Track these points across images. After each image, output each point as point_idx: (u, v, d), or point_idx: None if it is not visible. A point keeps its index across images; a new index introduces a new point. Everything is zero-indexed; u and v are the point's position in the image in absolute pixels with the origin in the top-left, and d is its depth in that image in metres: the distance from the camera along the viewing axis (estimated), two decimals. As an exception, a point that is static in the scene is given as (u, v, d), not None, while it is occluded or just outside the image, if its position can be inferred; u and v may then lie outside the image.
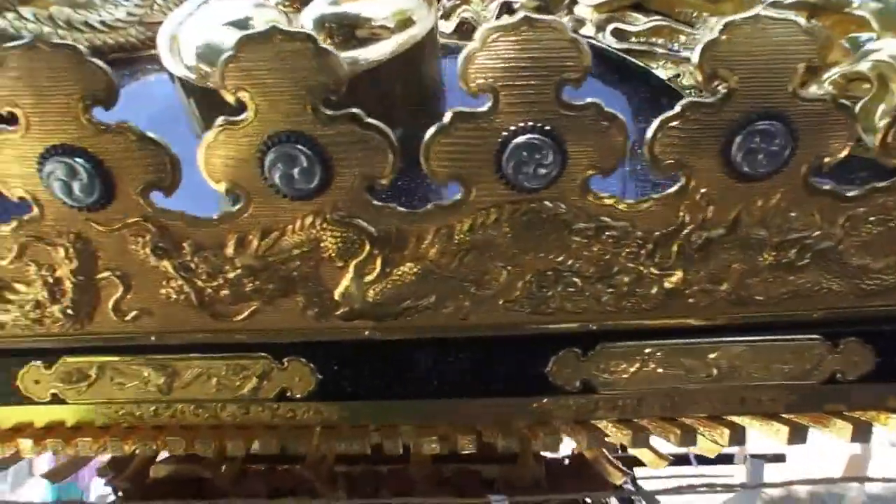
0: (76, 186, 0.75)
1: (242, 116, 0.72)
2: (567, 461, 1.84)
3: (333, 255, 0.80)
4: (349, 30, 0.93)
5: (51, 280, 0.84)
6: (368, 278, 0.81)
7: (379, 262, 0.80)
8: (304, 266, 0.82)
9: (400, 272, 0.81)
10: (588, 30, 1.16)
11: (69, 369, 0.92)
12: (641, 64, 1.08)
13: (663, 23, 1.11)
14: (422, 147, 0.72)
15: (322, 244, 0.79)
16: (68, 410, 0.95)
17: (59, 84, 0.70)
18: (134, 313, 0.87)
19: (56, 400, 0.93)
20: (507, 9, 1.34)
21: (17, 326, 0.88)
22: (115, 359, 0.92)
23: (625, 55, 1.10)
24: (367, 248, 0.78)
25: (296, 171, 0.72)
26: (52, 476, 1.79)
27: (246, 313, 0.87)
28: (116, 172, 0.75)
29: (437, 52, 1.03)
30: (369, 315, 0.85)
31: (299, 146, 0.71)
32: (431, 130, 0.72)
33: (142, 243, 0.80)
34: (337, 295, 0.83)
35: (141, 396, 0.93)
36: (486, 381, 0.91)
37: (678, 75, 1.08)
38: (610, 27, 1.12)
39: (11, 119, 0.73)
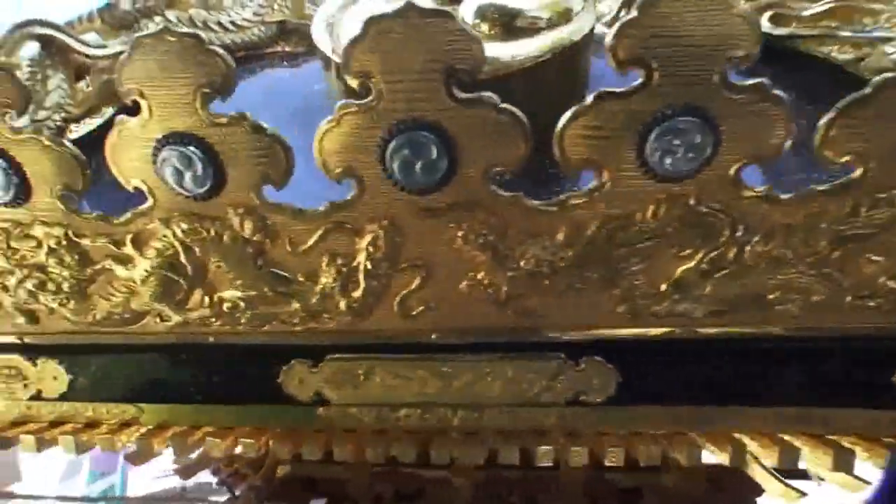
0: (418, 166, 0.66)
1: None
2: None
3: (682, 243, 0.71)
4: (509, 19, 0.91)
5: (345, 270, 0.75)
6: (708, 269, 0.73)
7: (734, 251, 0.71)
8: (634, 256, 0.73)
9: (752, 262, 0.72)
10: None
11: (338, 369, 0.83)
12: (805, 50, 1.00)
13: (838, 3, 1.03)
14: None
15: (667, 230, 0.71)
16: (332, 412, 0.86)
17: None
18: (420, 309, 0.78)
19: (320, 401, 0.85)
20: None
21: (289, 322, 0.80)
22: (388, 358, 0.83)
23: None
24: (727, 234, 0.70)
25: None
26: (184, 473, 1.71)
27: (548, 309, 0.78)
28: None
29: (590, 52, 0.98)
30: (693, 312, 0.76)
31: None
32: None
33: (465, 230, 0.72)
34: (664, 287, 0.75)
35: (412, 399, 0.84)
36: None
37: (861, 59, 1.00)
38: (767, 14, 1.05)
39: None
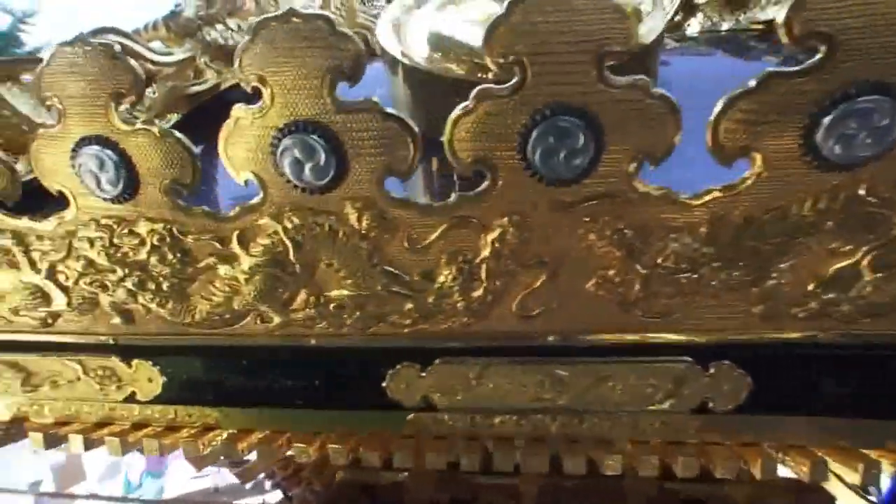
0: (562, 155, 0.61)
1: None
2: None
3: (842, 238, 0.66)
4: None
5: (466, 268, 0.71)
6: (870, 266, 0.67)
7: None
8: (783, 252, 0.68)
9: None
10: None
11: (448, 373, 0.79)
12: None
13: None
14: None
15: (826, 224, 0.65)
16: (423, 418, 0.82)
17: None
18: (540, 309, 0.74)
19: (426, 406, 0.80)
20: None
21: (399, 323, 0.76)
22: (503, 361, 0.78)
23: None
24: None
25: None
26: (245, 475, 1.69)
27: (678, 310, 0.73)
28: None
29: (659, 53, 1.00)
30: (843, 314, 0.70)
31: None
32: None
33: (601, 224, 0.67)
34: (811, 286, 0.69)
35: (525, 405, 0.79)
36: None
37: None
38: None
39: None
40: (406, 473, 1.58)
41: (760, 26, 1.35)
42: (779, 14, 0.55)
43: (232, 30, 1.32)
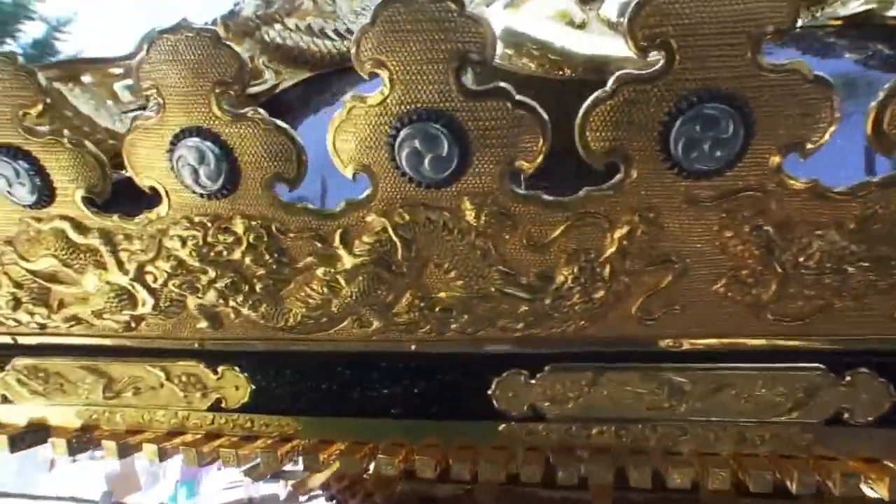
0: (707, 145, 0.57)
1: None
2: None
3: None
4: None
5: (588, 268, 0.66)
6: None
7: None
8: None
9: None
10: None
11: (559, 380, 0.74)
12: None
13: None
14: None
15: None
16: (531, 429, 0.77)
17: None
18: (662, 312, 0.69)
19: (534, 416, 0.75)
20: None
21: (508, 328, 0.71)
22: (618, 367, 0.73)
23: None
24: None
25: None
26: (300, 487, 1.66)
27: (814, 313, 0.67)
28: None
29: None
30: None
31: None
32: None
33: (739, 220, 0.62)
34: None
35: (640, 414, 0.74)
36: None
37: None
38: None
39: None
40: (468, 486, 1.52)
41: (839, 22, 1.30)
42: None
43: (290, 29, 1.30)
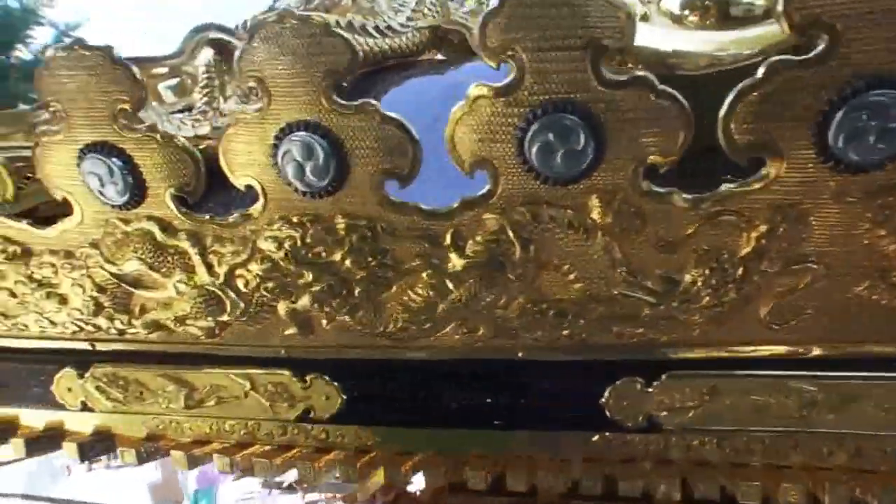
0: (872, 137, 0.53)
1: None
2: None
3: None
4: (724, 7, 0.82)
5: (720, 268, 0.62)
6: None
7: None
8: None
9: None
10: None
11: (677, 387, 0.69)
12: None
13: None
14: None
15: None
16: (625, 440, 0.72)
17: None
18: (794, 316, 0.65)
19: (648, 427, 0.71)
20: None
21: (626, 333, 0.67)
22: (742, 375, 0.68)
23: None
24: None
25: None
26: (349, 500, 1.61)
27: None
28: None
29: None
30: None
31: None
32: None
33: (894, 218, 0.58)
34: None
35: (765, 424, 0.69)
36: None
37: None
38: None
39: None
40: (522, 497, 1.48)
41: None
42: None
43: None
